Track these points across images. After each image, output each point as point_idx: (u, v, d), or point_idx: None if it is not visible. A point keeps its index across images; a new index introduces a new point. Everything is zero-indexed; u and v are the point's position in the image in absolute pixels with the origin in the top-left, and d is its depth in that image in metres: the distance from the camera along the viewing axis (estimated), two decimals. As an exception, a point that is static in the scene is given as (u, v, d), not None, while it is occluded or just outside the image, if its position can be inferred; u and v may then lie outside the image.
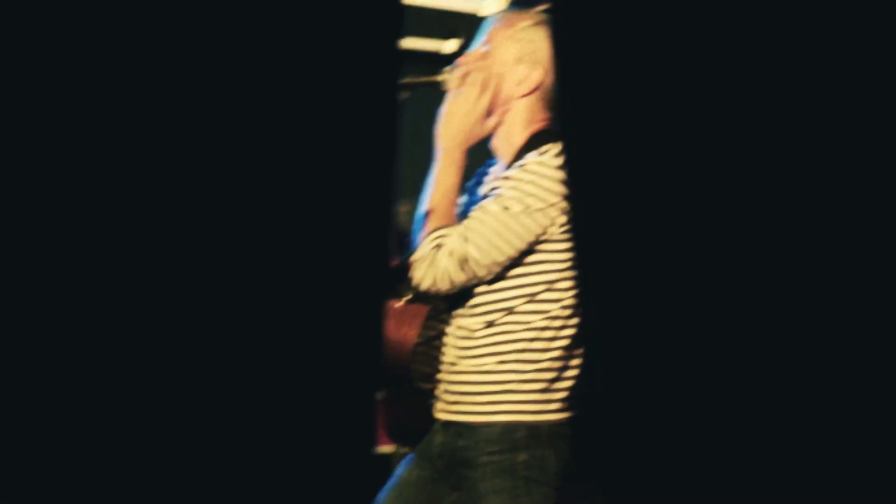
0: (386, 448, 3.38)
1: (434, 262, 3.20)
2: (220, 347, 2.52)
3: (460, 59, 3.34)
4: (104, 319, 2.50)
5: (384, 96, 2.70)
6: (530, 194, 3.18)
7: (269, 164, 2.55)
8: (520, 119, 3.30)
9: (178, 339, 2.53)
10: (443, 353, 3.28)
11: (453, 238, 3.19)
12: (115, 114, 2.51)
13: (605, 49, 2.85)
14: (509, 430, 3.19)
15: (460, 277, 3.19)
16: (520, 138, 3.28)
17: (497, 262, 3.19)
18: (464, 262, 3.19)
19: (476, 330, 3.25)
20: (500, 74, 3.30)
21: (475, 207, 3.25)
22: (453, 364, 3.27)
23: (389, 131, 2.66)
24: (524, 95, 3.29)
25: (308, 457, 2.58)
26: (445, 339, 3.29)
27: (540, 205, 3.19)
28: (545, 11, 3.33)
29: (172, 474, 2.52)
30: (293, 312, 2.57)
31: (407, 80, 3.26)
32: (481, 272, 3.19)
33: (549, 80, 3.29)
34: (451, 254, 3.18)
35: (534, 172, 3.20)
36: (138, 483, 2.50)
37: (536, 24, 3.31)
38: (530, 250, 3.21)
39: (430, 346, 3.29)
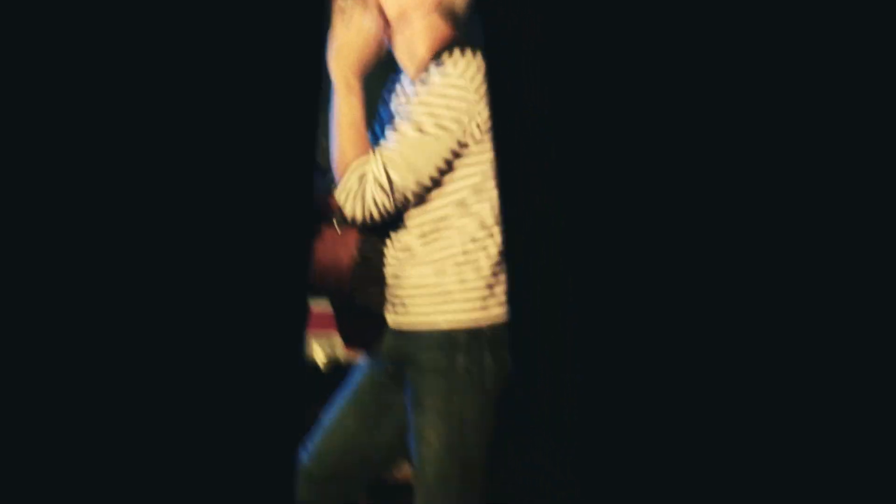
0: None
1: (361, 194, 3.26)
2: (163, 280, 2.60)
3: None
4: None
5: (306, 26, 2.78)
6: (441, 108, 3.24)
7: (194, 99, 2.62)
8: (421, 33, 3.31)
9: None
10: (383, 268, 3.35)
11: (375, 167, 3.24)
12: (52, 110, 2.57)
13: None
14: (451, 334, 3.30)
15: (390, 204, 3.26)
16: (424, 52, 3.32)
17: (421, 183, 3.26)
18: (390, 190, 3.24)
19: (412, 244, 3.33)
20: None
21: (389, 131, 3.31)
22: (396, 276, 3.34)
23: (312, 66, 2.76)
24: (424, 9, 3.31)
25: (244, 381, 2.68)
26: (384, 256, 3.36)
27: (451, 118, 3.23)
28: None
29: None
30: (222, 249, 2.64)
31: None
32: (409, 195, 3.26)
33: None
34: (376, 183, 3.25)
35: (441, 88, 3.24)
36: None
37: None
38: (451, 163, 3.28)
39: (369, 265, 3.35)
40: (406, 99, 3.33)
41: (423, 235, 3.32)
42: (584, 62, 2.89)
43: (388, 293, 3.35)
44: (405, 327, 3.35)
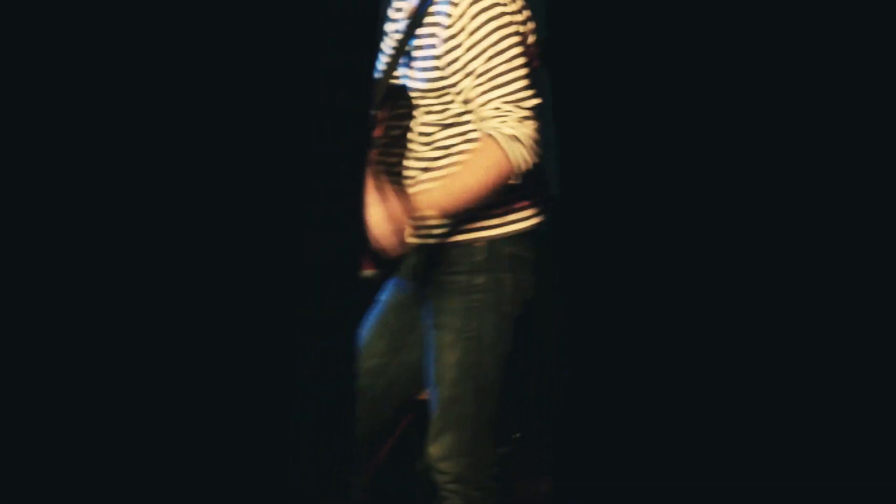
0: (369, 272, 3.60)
1: (524, 145, 3.21)
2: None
3: None
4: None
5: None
6: (496, 29, 3.22)
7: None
8: None
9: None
10: (403, 179, 3.33)
11: (500, 119, 3.21)
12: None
13: None
14: (470, 252, 3.31)
15: (533, 123, 3.24)
16: None
17: (531, 103, 3.23)
18: (525, 117, 3.23)
19: (432, 156, 3.33)
20: None
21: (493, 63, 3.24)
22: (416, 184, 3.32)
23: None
24: None
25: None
26: (404, 167, 3.34)
27: (516, 25, 3.23)
28: None
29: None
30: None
31: None
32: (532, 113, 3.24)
33: None
34: (520, 122, 3.22)
35: (477, 13, 3.22)
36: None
37: None
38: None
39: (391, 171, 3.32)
40: (418, 17, 3.30)
41: (446, 148, 3.32)
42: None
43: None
44: (427, 241, 3.37)
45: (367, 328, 3.43)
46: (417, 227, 3.32)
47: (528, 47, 3.24)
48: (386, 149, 3.34)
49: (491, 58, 3.21)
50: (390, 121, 3.32)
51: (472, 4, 3.21)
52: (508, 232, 3.32)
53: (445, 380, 3.30)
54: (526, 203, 3.33)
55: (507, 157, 3.20)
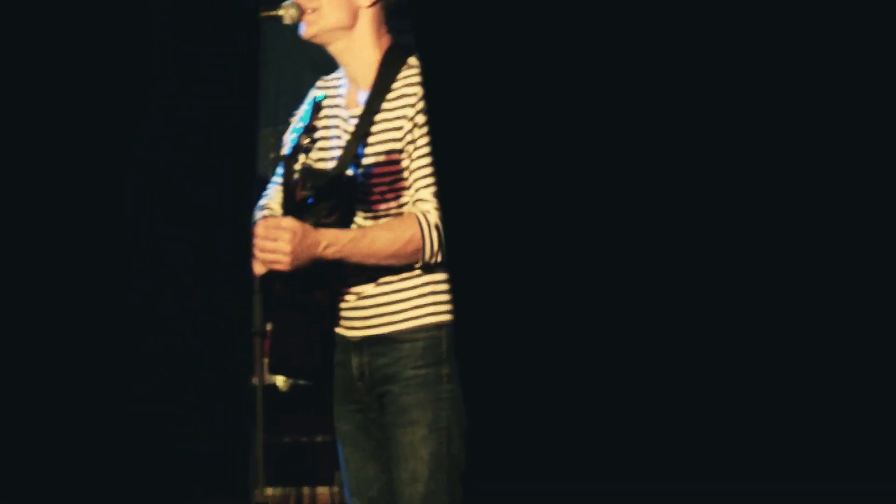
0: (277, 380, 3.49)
1: (441, 236, 3.26)
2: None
3: None
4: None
5: (245, 29, 2.74)
6: (424, 119, 3.26)
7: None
8: (369, 33, 3.33)
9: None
10: (340, 272, 3.31)
11: (432, 206, 3.26)
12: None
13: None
14: (434, 343, 3.29)
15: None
16: (373, 55, 3.32)
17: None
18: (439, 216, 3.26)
19: None
20: None
21: (414, 153, 3.28)
22: (360, 282, 3.31)
23: (251, 62, 2.70)
24: (370, 5, 3.32)
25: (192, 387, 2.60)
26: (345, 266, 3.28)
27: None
28: None
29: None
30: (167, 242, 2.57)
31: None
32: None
33: None
34: (440, 222, 3.26)
35: (420, 102, 3.26)
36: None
37: None
38: None
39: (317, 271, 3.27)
40: (369, 112, 3.31)
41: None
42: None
43: (350, 299, 3.31)
44: (378, 333, 3.31)
45: (348, 466, 3.38)
46: (362, 319, 3.28)
47: None
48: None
49: (426, 148, 3.28)
50: (342, 209, 3.31)
51: (420, 100, 3.27)
52: (453, 319, 3.33)
53: (422, 476, 3.27)
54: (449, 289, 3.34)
55: (422, 239, 3.24)
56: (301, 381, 3.92)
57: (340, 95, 3.41)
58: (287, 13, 3.34)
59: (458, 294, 3.29)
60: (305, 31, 3.34)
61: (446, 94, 2.91)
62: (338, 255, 3.20)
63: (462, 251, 2.92)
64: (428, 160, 3.26)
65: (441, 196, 3.25)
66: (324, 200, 3.26)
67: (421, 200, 3.26)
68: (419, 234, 3.23)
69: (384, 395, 3.30)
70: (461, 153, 2.94)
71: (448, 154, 2.91)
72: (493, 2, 2.91)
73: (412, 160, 3.27)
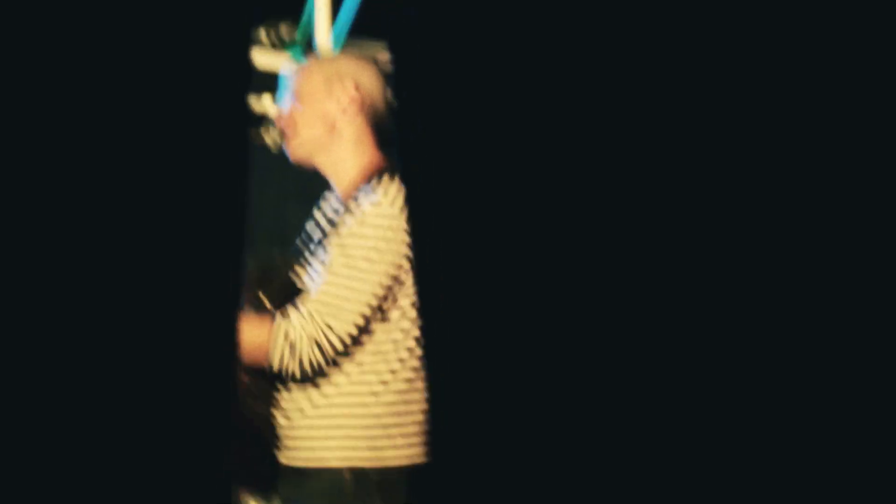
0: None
1: (297, 355, 3.14)
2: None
3: (275, 117, 3.40)
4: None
5: (235, 149, 2.76)
6: (373, 247, 3.15)
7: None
8: (350, 145, 3.29)
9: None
10: (275, 397, 3.24)
11: (304, 323, 3.13)
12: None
13: (444, 89, 2.93)
14: (337, 481, 3.16)
15: (331, 353, 3.15)
16: (353, 170, 3.28)
17: (357, 324, 3.16)
18: (327, 340, 3.14)
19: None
20: (318, 110, 3.28)
21: (315, 266, 3.21)
22: (286, 406, 3.24)
23: (241, 184, 2.71)
24: (346, 113, 3.28)
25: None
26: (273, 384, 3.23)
27: (383, 255, 3.15)
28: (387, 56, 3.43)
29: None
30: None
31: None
32: (346, 339, 3.15)
33: (367, 91, 3.29)
34: (311, 340, 3.13)
35: (373, 222, 3.17)
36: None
37: (332, 56, 3.46)
38: (387, 297, 3.19)
39: (259, 388, 3.23)
40: (332, 224, 3.26)
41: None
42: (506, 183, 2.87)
43: (277, 425, 3.23)
44: (293, 465, 3.22)
45: None
46: (284, 447, 3.21)
47: (388, 280, 3.17)
48: None
49: (346, 263, 3.17)
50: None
51: (368, 210, 3.19)
52: (376, 465, 3.18)
53: None
54: (403, 440, 3.21)
55: (271, 349, 3.12)
56: None
57: (329, 208, 3.38)
58: (270, 136, 3.35)
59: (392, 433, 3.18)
60: (291, 155, 3.33)
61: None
62: None
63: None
64: (332, 275, 3.14)
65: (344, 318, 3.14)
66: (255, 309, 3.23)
67: (296, 311, 3.15)
68: (268, 344, 3.12)
69: None
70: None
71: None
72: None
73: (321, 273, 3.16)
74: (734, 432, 2.87)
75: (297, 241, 3.43)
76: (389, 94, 3.32)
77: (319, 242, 3.30)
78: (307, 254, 3.34)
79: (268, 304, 3.25)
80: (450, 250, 2.91)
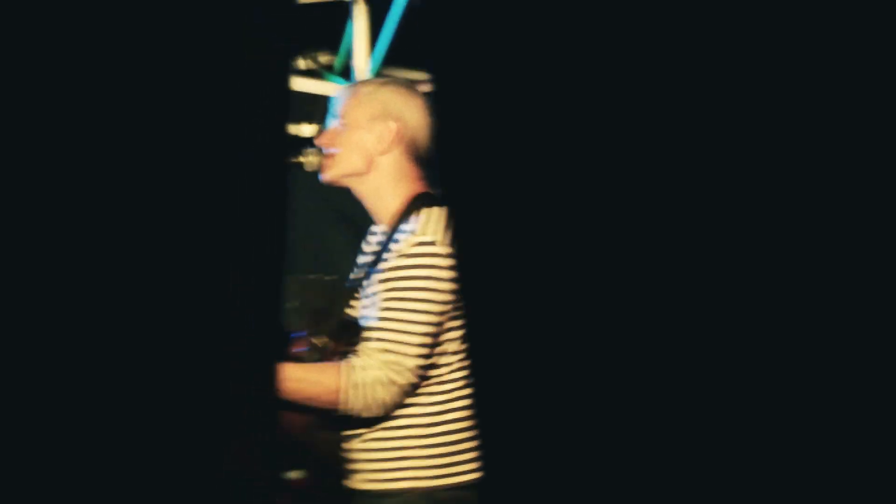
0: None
1: (358, 394, 3.17)
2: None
3: (317, 140, 3.39)
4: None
5: (275, 173, 2.77)
6: (423, 283, 3.17)
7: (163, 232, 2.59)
8: (388, 178, 3.30)
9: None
10: (342, 425, 3.26)
11: (368, 364, 3.17)
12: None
13: (489, 117, 2.94)
14: (410, 501, 3.20)
15: (392, 393, 3.18)
16: (394, 202, 3.29)
17: (416, 361, 3.18)
18: (388, 382, 3.17)
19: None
20: (358, 140, 3.31)
21: (370, 308, 3.23)
22: (354, 435, 3.26)
23: (280, 210, 2.73)
24: (386, 153, 3.30)
25: None
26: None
27: (436, 289, 3.17)
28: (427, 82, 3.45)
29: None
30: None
31: None
32: (408, 376, 3.18)
33: (410, 130, 3.31)
34: (377, 383, 3.16)
35: (419, 257, 3.19)
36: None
37: (381, 84, 3.38)
38: (441, 328, 3.21)
39: (328, 419, 3.26)
40: (378, 257, 3.28)
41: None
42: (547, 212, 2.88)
43: (347, 451, 3.27)
44: (364, 488, 3.27)
45: None
46: (354, 472, 3.26)
47: (441, 311, 3.20)
48: None
49: (399, 302, 3.18)
50: (341, 354, 3.28)
51: (412, 246, 3.20)
52: (451, 483, 3.23)
53: None
54: (467, 457, 3.24)
55: (337, 393, 3.16)
56: None
57: (376, 242, 3.40)
58: (308, 161, 3.38)
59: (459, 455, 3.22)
60: (323, 175, 3.38)
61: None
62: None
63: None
64: (387, 315, 3.18)
65: (406, 355, 3.17)
66: (317, 353, 3.29)
67: (360, 354, 3.19)
68: (336, 387, 3.16)
69: None
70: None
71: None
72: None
73: (373, 313, 3.22)
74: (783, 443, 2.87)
75: (351, 274, 3.46)
76: (433, 125, 3.34)
77: (368, 276, 3.33)
78: (359, 287, 3.37)
79: (327, 342, 3.31)
80: (496, 268, 2.91)
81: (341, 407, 3.17)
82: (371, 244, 3.40)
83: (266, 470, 2.62)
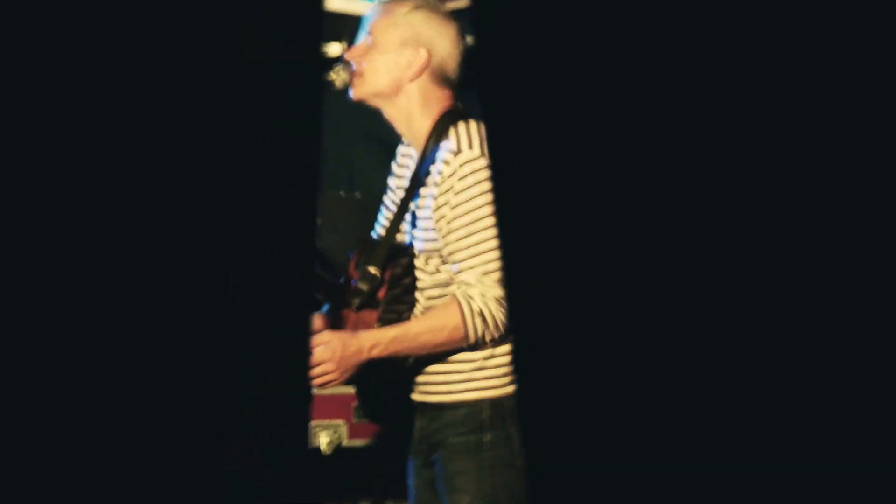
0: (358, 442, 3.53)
1: (494, 323, 3.21)
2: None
3: (346, 55, 3.37)
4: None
5: (308, 91, 2.78)
6: (487, 199, 3.20)
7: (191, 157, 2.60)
8: (417, 103, 3.32)
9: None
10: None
11: (482, 289, 3.21)
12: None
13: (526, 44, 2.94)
14: (475, 411, 3.26)
15: (506, 308, 3.21)
16: (423, 123, 3.31)
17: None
18: (504, 298, 3.20)
19: None
20: (387, 63, 3.33)
21: (423, 221, 3.27)
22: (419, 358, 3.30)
23: (315, 126, 2.75)
24: (414, 79, 3.31)
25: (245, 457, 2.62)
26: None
27: (491, 201, 3.18)
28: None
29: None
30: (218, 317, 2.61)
31: None
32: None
33: (439, 58, 3.32)
34: (495, 301, 3.21)
35: (475, 174, 3.21)
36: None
37: (415, 8, 3.35)
38: None
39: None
40: (418, 180, 3.30)
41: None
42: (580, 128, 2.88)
43: (410, 366, 3.29)
44: (429, 400, 3.31)
45: None
46: (418, 385, 3.31)
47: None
48: (389, 306, 3.32)
49: (476, 222, 3.22)
50: (393, 280, 3.32)
51: (462, 165, 3.22)
52: (509, 392, 3.27)
53: None
54: (509, 351, 3.29)
55: (465, 327, 3.21)
56: (344, 443, 3.96)
57: (409, 163, 3.42)
58: (339, 77, 3.39)
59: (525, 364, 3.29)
60: (352, 93, 3.37)
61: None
62: (384, 354, 3.22)
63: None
64: (471, 239, 3.23)
65: (500, 269, 3.20)
66: (368, 281, 3.31)
67: (465, 284, 3.24)
68: (461, 323, 3.21)
69: (436, 460, 3.30)
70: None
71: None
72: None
73: (447, 241, 3.25)
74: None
75: (384, 198, 3.49)
76: (464, 51, 3.36)
77: (410, 196, 3.35)
78: (397, 207, 3.39)
79: (377, 273, 3.33)
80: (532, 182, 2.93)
81: (470, 340, 3.22)
82: (402, 164, 3.42)
83: (266, 470, 2.65)
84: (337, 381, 3.22)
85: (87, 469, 2.51)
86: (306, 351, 2.88)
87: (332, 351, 3.20)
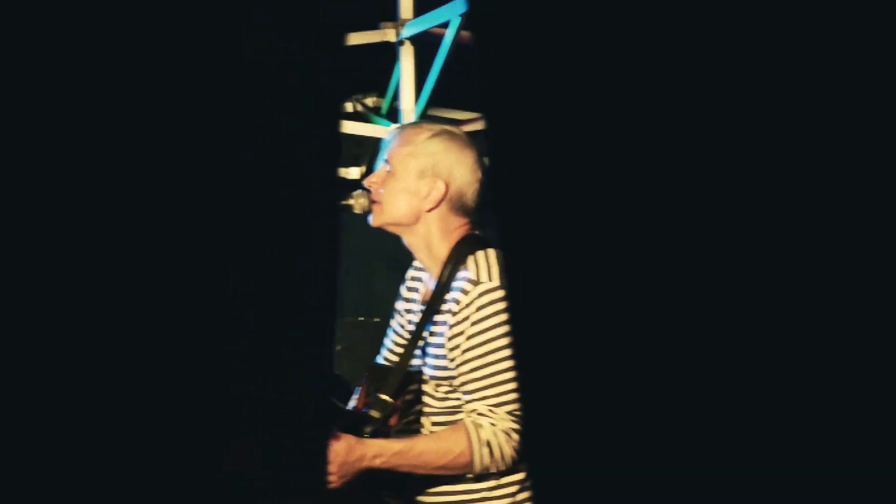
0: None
1: (501, 456, 3.20)
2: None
3: (365, 181, 3.37)
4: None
5: (325, 218, 2.78)
6: (505, 330, 3.19)
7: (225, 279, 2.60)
8: (436, 231, 3.31)
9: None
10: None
11: (493, 419, 3.20)
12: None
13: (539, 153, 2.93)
14: None
15: (519, 443, 3.20)
16: (441, 250, 3.30)
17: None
18: (516, 432, 3.19)
19: None
20: (406, 193, 3.32)
21: (434, 349, 3.26)
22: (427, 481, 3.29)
23: (331, 253, 2.74)
24: (432, 209, 3.31)
25: None
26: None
27: (509, 332, 3.17)
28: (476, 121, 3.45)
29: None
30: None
31: None
32: (520, 422, 3.21)
33: (457, 187, 3.32)
34: (504, 434, 3.19)
35: (493, 304, 3.20)
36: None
37: (434, 135, 3.35)
38: None
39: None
40: (433, 308, 3.28)
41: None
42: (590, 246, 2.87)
43: (413, 490, 3.28)
44: None
45: None
46: (411, 498, 3.29)
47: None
48: (400, 434, 3.29)
49: (491, 353, 3.20)
50: (405, 408, 3.30)
51: (480, 295, 3.20)
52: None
53: None
54: (517, 481, 3.28)
55: (470, 454, 3.20)
56: None
57: (419, 286, 3.42)
58: (357, 203, 3.38)
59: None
60: (371, 220, 3.37)
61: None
62: (385, 466, 3.20)
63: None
64: (486, 370, 3.20)
65: (514, 402, 3.18)
66: (381, 408, 3.29)
67: (476, 413, 3.22)
68: (467, 450, 3.19)
69: None
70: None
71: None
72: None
73: (460, 371, 3.23)
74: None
75: (392, 322, 3.48)
76: (483, 179, 3.37)
77: (424, 323, 3.33)
78: (405, 333, 3.40)
79: (390, 400, 3.31)
80: (551, 307, 2.91)
81: (475, 469, 3.21)
82: (412, 287, 3.42)
83: (266, 470, 2.62)
84: (335, 484, 3.17)
85: (88, 469, 2.49)
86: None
87: (335, 453, 3.16)
